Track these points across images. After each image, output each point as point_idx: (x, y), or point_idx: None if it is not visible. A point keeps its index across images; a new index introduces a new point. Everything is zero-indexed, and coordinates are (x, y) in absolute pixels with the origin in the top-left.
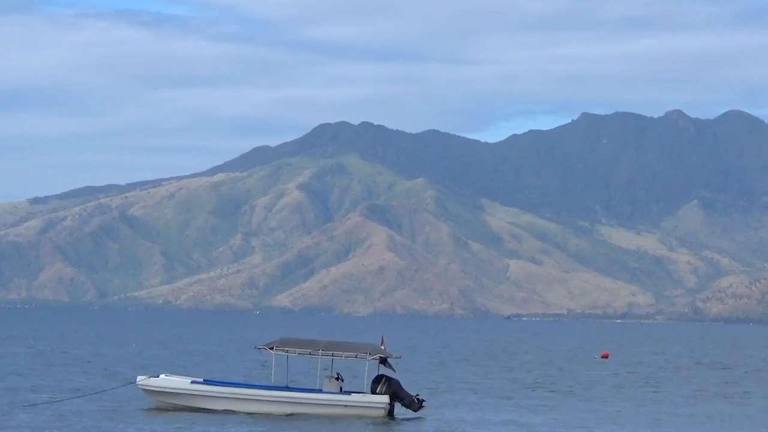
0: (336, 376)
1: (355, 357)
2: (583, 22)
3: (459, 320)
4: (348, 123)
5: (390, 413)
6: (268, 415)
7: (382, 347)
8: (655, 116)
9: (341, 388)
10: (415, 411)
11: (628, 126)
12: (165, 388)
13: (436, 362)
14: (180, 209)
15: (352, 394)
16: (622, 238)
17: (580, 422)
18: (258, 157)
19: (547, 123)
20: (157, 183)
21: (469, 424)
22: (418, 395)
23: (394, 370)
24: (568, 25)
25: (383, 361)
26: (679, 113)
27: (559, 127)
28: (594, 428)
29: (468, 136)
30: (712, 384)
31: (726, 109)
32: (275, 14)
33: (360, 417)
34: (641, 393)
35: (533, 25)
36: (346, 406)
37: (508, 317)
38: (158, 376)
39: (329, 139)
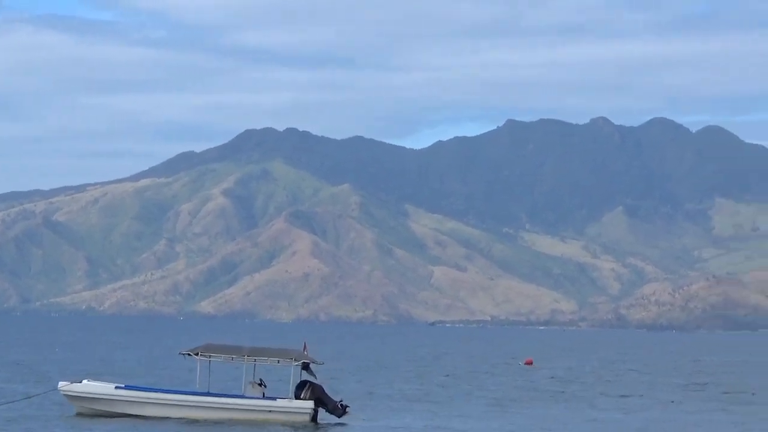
0: (259, 381)
1: (278, 363)
2: (509, 29)
3: (382, 327)
4: (273, 129)
5: (314, 419)
6: (192, 421)
7: (305, 353)
8: (580, 123)
9: (264, 393)
10: (339, 417)
11: (553, 133)
12: (88, 393)
13: (359, 368)
14: (104, 215)
15: (277, 399)
16: (546, 244)
17: (506, 428)
18: (183, 162)
19: (472, 130)
20: (81, 188)
21: (392, 430)
22: (341, 401)
23: (315, 376)
24: (494, 32)
25: (306, 366)
26: (604, 120)
27: (484, 133)
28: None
29: (393, 143)
30: (636, 389)
31: (651, 117)
32: (202, 20)
33: (284, 422)
34: (564, 398)
35: (460, 33)
36: (271, 411)
37: (432, 324)
38: (81, 382)
39: (254, 145)
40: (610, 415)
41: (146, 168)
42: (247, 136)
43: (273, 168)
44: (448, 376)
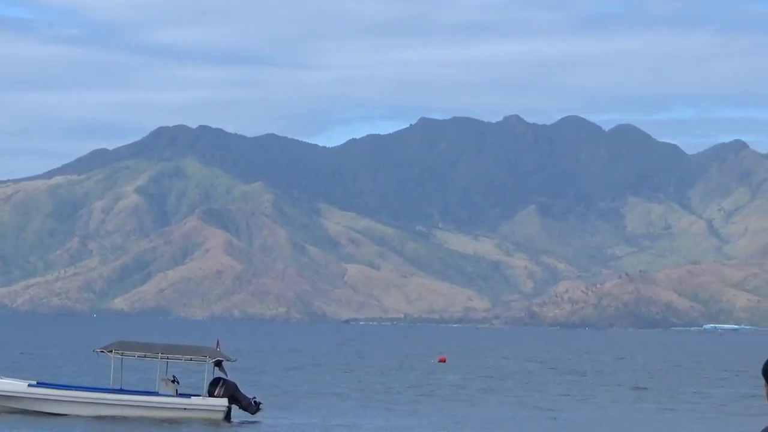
0: (172, 378)
1: (191, 360)
2: (422, 27)
3: (296, 324)
4: (186, 126)
5: (228, 416)
6: (105, 418)
7: (218, 350)
8: (493, 121)
9: (177, 390)
10: (253, 414)
11: (466, 131)
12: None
13: (274, 366)
14: (16, 212)
15: (192, 397)
16: (460, 242)
17: (420, 426)
18: (96, 160)
19: (385, 128)
20: None
21: (306, 427)
22: (255, 398)
23: (227, 373)
24: (407, 30)
25: (218, 364)
26: (516, 118)
27: (397, 131)
28: (435, 431)
29: (306, 141)
30: (550, 386)
31: (563, 115)
32: (115, 17)
33: (199, 420)
34: (478, 396)
35: (373, 30)
36: (185, 408)
37: (346, 321)
38: None
39: (167, 142)
40: (528, 412)
41: (59, 165)
42: (160, 133)
43: (186, 166)
44: (360, 373)
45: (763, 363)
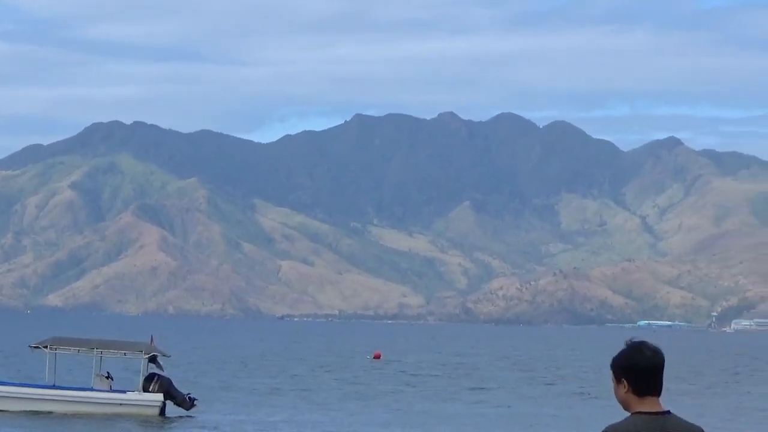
0: (106, 374)
1: (125, 355)
2: (358, 24)
3: (231, 321)
4: (121, 122)
5: (162, 411)
6: (40, 414)
7: (153, 346)
8: (428, 118)
9: (111, 386)
10: (187, 410)
11: (400, 127)
12: None
13: (209, 361)
14: None
15: (127, 392)
16: (394, 239)
17: (358, 421)
18: (30, 155)
19: (320, 124)
20: None
21: (240, 423)
22: (189, 394)
23: (162, 368)
24: (343, 26)
25: (153, 359)
26: (451, 115)
27: (332, 128)
28: (373, 427)
29: (241, 137)
30: (488, 382)
31: (498, 112)
32: (50, 13)
33: (134, 415)
34: (414, 392)
35: (308, 27)
36: (120, 404)
37: (281, 318)
38: None
39: (102, 138)
40: (462, 408)
41: None
42: (95, 129)
43: (120, 161)
44: (295, 369)
45: (614, 356)
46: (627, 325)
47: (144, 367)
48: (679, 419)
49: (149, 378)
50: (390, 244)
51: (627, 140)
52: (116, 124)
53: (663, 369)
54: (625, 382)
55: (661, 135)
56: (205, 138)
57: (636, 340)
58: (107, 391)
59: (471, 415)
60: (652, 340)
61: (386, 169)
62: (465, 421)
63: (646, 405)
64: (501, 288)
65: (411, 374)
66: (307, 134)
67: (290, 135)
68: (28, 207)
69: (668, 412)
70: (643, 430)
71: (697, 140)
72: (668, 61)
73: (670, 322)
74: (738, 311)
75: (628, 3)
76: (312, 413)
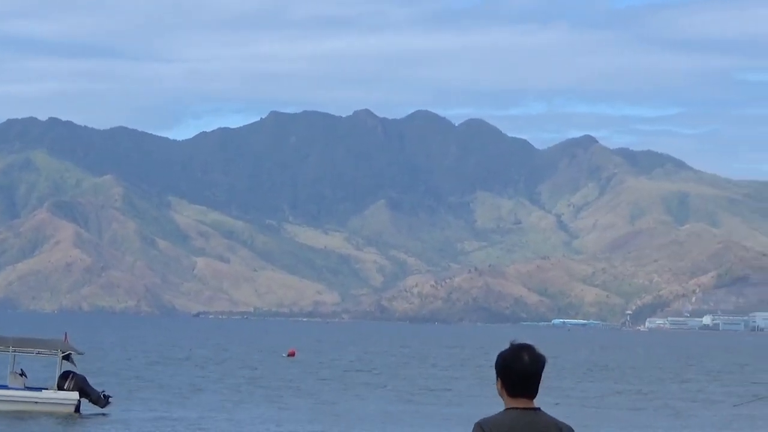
0: (20, 372)
1: (39, 353)
2: (274, 21)
3: (146, 317)
4: (35, 119)
5: (77, 409)
6: None
7: (67, 343)
8: (344, 115)
9: (25, 384)
10: (102, 407)
11: (316, 125)
12: None
13: (126, 358)
14: None
15: (42, 390)
16: (309, 236)
17: (275, 419)
18: None
19: (236, 121)
20: None
21: (155, 421)
22: (104, 391)
23: (76, 366)
24: (259, 24)
25: (66, 357)
26: (367, 113)
27: (247, 125)
28: (290, 424)
29: (157, 134)
30: (402, 379)
31: (414, 110)
32: None
33: (49, 413)
34: (328, 388)
35: (225, 24)
36: (36, 402)
37: (196, 315)
38: None
39: (16, 134)
40: (376, 405)
41: None
42: (9, 125)
43: (35, 158)
44: (209, 366)
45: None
46: (541, 323)
47: (59, 365)
48: (549, 416)
49: (64, 376)
50: (305, 242)
51: (542, 139)
52: (31, 121)
53: (539, 375)
54: (500, 380)
55: (577, 133)
56: (120, 135)
57: (518, 342)
58: (22, 389)
59: (380, 413)
60: (567, 339)
61: (302, 166)
62: (374, 417)
63: (518, 403)
64: (416, 286)
65: (324, 371)
66: (223, 131)
67: (206, 132)
68: None
69: (538, 409)
70: (512, 424)
71: (612, 139)
72: (584, 60)
73: (584, 321)
74: (652, 309)
75: (543, 2)
76: (227, 411)
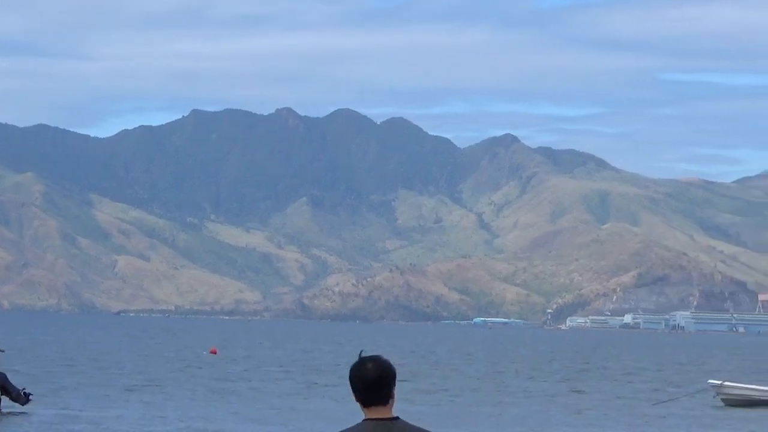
0: None
1: None
2: (196, 19)
3: (66, 316)
4: None
5: None
6: None
7: None
8: (265, 114)
9: None
10: (23, 405)
11: (237, 123)
12: None
13: (47, 356)
14: None
15: None
16: (231, 235)
17: (202, 417)
18: None
19: (157, 119)
20: None
21: (76, 418)
22: (24, 389)
23: None
24: (181, 22)
25: None
26: (288, 111)
27: (169, 123)
28: (216, 422)
29: (78, 131)
30: (330, 377)
31: (335, 108)
32: None
33: None
34: (250, 387)
35: (146, 22)
36: None
37: (117, 313)
38: None
39: None
40: (296, 403)
41: None
42: None
43: None
44: (131, 365)
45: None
46: (462, 322)
47: None
48: (408, 425)
49: None
50: (227, 240)
51: (464, 137)
52: None
53: (388, 384)
54: (353, 392)
55: (498, 132)
56: (41, 132)
57: (364, 355)
58: None
59: (307, 410)
60: (488, 336)
61: (223, 164)
62: (306, 416)
63: (374, 413)
64: (337, 284)
65: (245, 369)
66: (144, 129)
67: (127, 130)
68: None
69: (397, 418)
70: None
71: (534, 138)
72: (506, 58)
73: (506, 319)
74: (573, 308)
75: (467, 1)
76: (145, 409)
